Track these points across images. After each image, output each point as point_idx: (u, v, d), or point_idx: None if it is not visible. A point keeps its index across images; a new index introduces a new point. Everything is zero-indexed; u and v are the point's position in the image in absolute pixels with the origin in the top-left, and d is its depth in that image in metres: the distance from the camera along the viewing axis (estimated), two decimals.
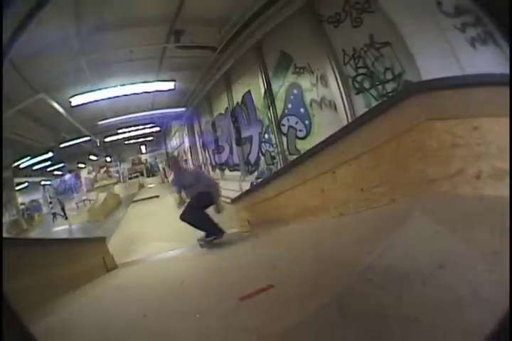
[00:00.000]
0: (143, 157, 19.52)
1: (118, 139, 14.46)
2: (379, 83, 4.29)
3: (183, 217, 4.15)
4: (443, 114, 2.25)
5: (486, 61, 3.31)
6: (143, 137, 16.31)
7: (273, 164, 7.24)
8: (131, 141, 16.25)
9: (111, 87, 7.74)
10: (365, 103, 4.60)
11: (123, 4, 5.27)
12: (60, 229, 11.75)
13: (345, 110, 4.84)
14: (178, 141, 15.45)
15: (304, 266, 2.03)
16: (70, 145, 12.14)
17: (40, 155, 12.12)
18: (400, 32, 3.76)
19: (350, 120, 4.63)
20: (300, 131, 6.13)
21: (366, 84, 4.51)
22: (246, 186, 7.16)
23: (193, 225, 4.13)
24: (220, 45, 6.91)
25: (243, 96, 8.23)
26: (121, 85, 7.80)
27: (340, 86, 4.89)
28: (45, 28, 4.66)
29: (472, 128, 2.10)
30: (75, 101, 7.56)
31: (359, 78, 4.62)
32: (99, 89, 7.65)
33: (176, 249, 4.55)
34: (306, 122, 5.93)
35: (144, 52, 7.12)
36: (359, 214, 2.64)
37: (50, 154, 12.24)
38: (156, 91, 8.35)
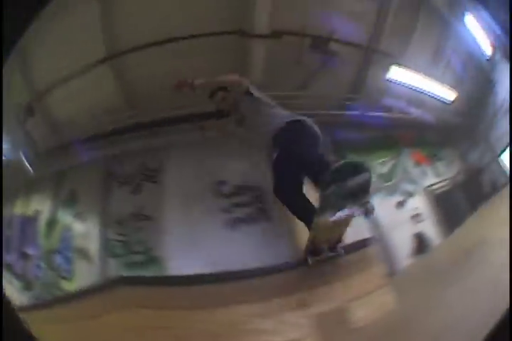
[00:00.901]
0: None
1: None
2: (131, 253, 4.80)
3: None
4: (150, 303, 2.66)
5: (247, 243, 3.91)
6: None
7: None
8: None
9: None
10: (116, 268, 4.94)
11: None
12: None
13: (101, 269, 5.03)
14: None
15: None
16: None
17: None
18: (163, 214, 4.46)
19: (104, 280, 4.68)
20: (64, 271, 5.68)
21: (120, 251, 4.94)
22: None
23: None
24: None
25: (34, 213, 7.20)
26: None
27: (100, 245, 5.17)
28: None
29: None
30: None
31: (117, 243, 5.02)
32: None
33: None
34: (70, 266, 5.63)
35: None
36: None
37: None
38: None
